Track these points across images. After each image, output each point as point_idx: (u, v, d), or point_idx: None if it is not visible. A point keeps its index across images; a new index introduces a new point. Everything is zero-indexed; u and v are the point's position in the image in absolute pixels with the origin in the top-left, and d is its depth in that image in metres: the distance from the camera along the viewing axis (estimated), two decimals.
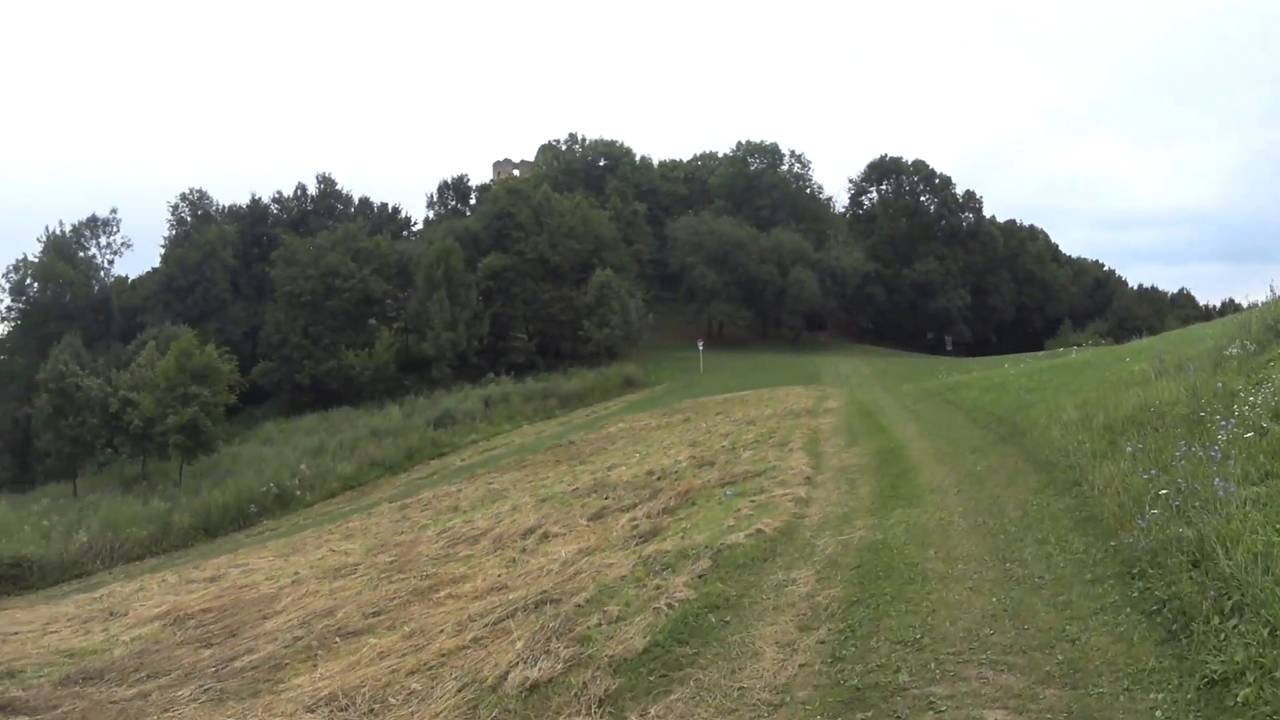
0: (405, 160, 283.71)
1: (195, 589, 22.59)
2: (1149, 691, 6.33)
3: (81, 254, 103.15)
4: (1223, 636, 6.41)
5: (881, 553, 11.59)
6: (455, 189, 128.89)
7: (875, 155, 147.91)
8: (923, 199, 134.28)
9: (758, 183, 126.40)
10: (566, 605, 11.57)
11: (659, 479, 23.59)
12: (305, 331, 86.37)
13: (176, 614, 18.16)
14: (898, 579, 10.25)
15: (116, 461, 66.84)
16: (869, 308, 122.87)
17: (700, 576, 11.64)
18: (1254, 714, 5.56)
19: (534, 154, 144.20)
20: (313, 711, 9.99)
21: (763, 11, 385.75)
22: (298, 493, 46.40)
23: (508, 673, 9.25)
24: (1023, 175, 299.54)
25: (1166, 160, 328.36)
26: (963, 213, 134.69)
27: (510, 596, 13.05)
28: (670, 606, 10.42)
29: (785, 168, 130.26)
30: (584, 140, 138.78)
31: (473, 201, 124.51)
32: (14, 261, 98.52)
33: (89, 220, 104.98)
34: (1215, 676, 6.06)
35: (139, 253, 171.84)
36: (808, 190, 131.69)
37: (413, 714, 9.13)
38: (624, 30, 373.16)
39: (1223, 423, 10.82)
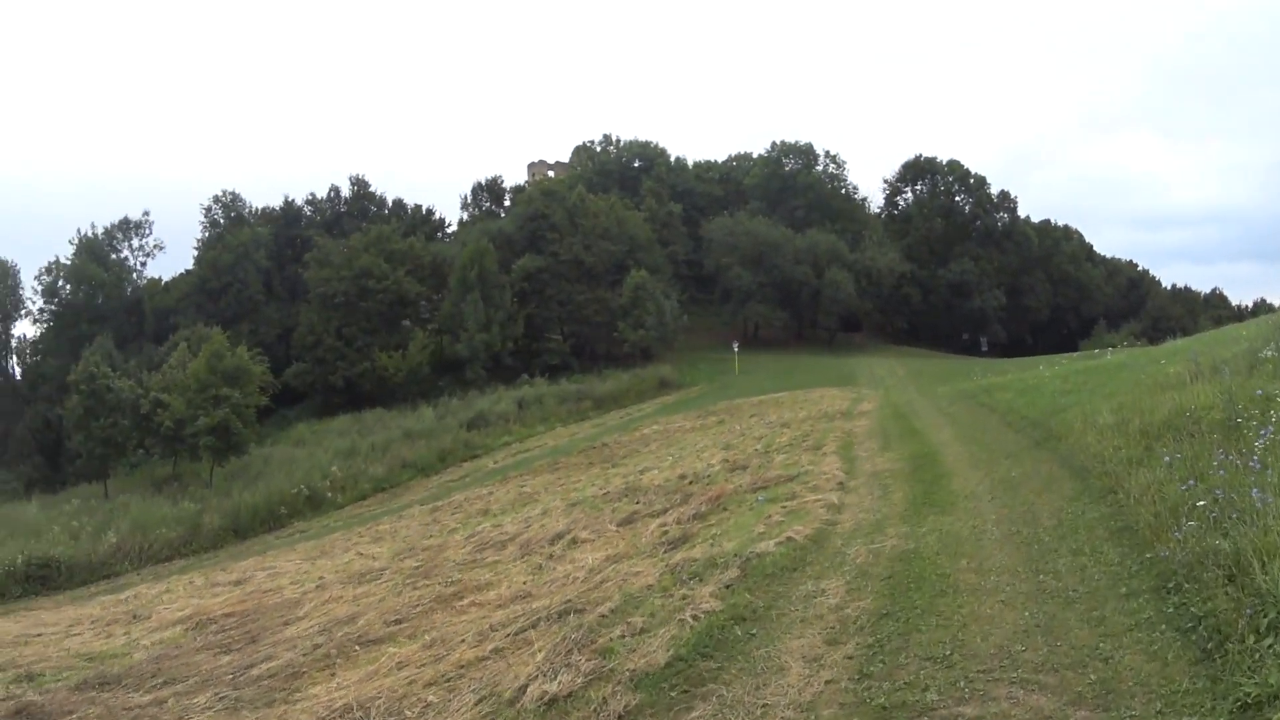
0: (440, 163, 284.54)
1: (220, 592, 22.63)
2: (1181, 715, 6.13)
3: (114, 256, 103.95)
4: (1258, 656, 6.20)
5: (913, 563, 11.38)
6: (489, 190, 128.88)
7: (910, 155, 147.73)
8: (958, 199, 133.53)
9: (793, 183, 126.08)
10: (590, 615, 11.43)
11: (691, 483, 23.46)
12: (338, 333, 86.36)
13: (199, 618, 18.19)
14: (929, 591, 10.05)
15: (148, 462, 67.33)
16: (904, 308, 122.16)
17: (728, 586, 11.46)
18: None
19: (569, 155, 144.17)
20: None
21: (797, 11, 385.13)
22: (329, 494, 46.32)
23: (527, 686, 9.12)
24: (1057, 175, 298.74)
25: (1198, 159, 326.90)
26: (997, 213, 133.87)
27: (534, 605, 12.88)
28: (695, 618, 10.25)
29: (820, 168, 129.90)
30: (618, 141, 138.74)
31: (507, 203, 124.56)
32: (46, 264, 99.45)
33: (121, 223, 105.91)
34: (1249, 700, 5.85)
35: (172, 254, 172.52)
36: (843, 190, 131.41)
37: None
38: (659, 31, 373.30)
39: (1261, 430, 10.60)
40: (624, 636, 10.21)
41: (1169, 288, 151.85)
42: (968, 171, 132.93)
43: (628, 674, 8.85)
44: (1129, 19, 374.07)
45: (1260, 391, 12.85)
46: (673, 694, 8.26)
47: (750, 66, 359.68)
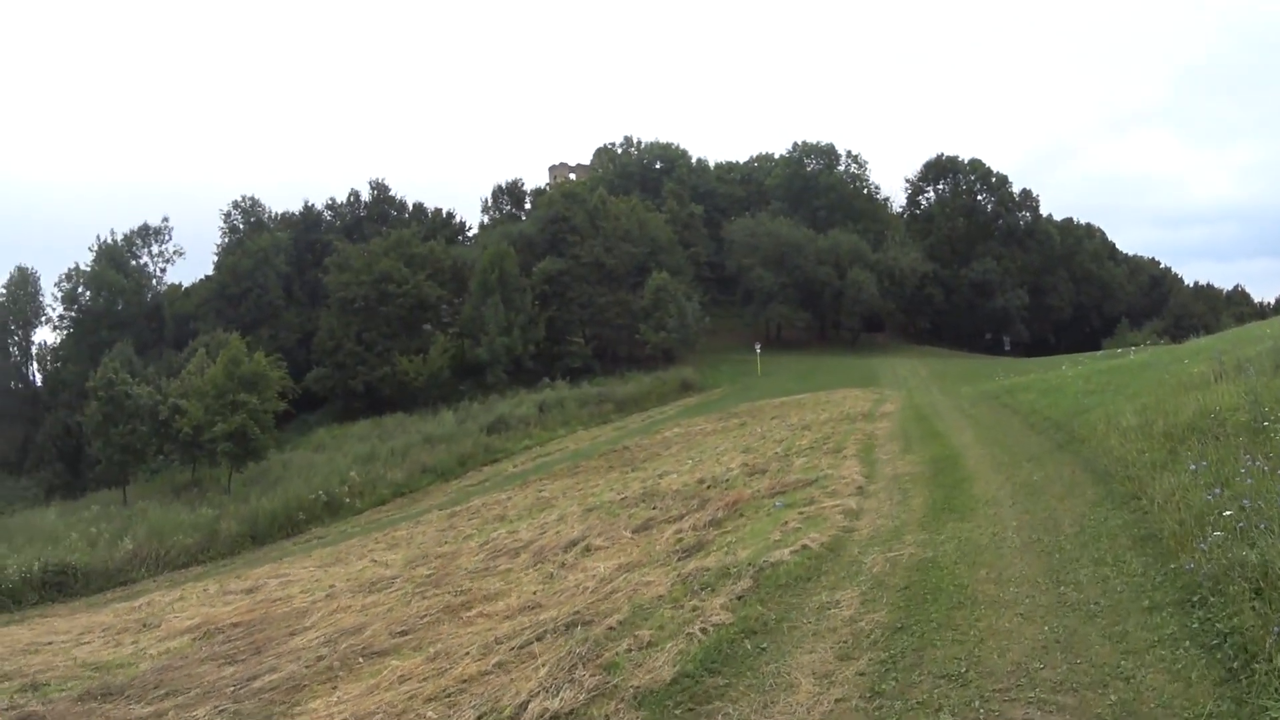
0: (461, 167, 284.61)
1: (232, 600, 22.52)
2: None
3: (134, 262, 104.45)
4: None
5: (930, 572, 11.10)
6: (510, 193, 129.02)
7: (931, 154, 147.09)
8: (980, 198, 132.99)
9: (814, 183, 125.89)
10: (598, 628, 11.18)
11: (709, 488, 23.24)
12: (359, 337, 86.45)
13: (206, 627, 18.08)
14: (945, 603, 9.76)
15: (168, 469, 67.44)
16: (927, 308, 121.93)
17: (739, 598, 11.18)
18: None
19: (590, 157, 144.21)
20: None
21: (817, 11, 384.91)
22: (347, 500, 46.26)
23: (528, 702, 8.88)
24: (1078, 173, 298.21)
25: (1218, 157, 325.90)
26: (1020, 211, 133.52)
27: (542, 617, 12.65)
28: (704, 631, 9.99)
29: (842, 168, 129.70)
30: (639, 143, 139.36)
31: (527, 206, 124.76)
32: (66, 271, 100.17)
33: (141, 229, 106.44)
34: None
35: (191, 261, 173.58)
36: (864, 190, 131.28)
37: None
38: (680, 33, 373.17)
39: None
40: (630, 651, 9.95)
41: (1191, 285, 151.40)
42: (989, 170, 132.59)
43: (631, 691, 8.59)
44: (1150, 17, 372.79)
45: None
46: (677, 712, 8.01)
47: (771, 67, 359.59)
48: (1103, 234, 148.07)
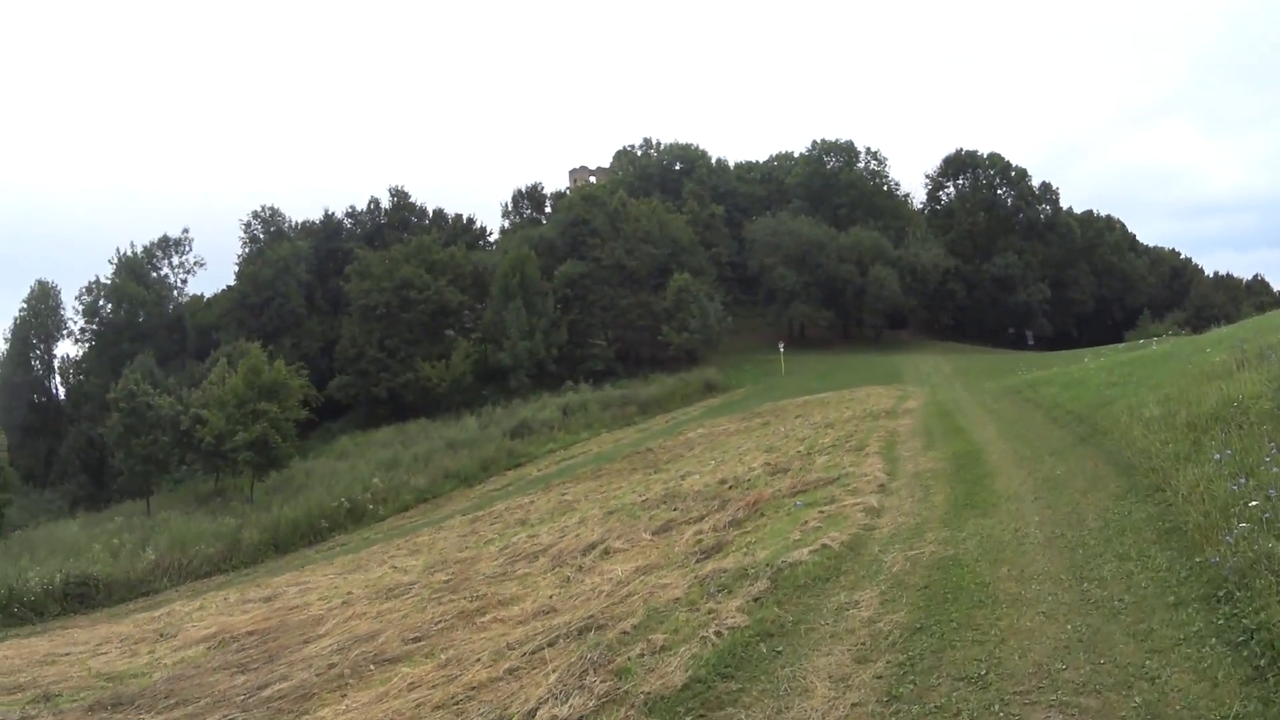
0: (481, 172, 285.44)
1: (250, 609, 22.39)
2: None
3: (154, 274, 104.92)
4: None
5: (951, 570, 10.90)
6: (530, 197, 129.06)
7: (950, 149, 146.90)
8: (999, 192, 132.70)
9: (834, 181, 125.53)
10: (611, 632, 11.05)
11: (731, 488, 23.11)
12: (381, 344, 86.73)
13: (222, 636, 18.02)
14: (966, 602, 9.56)
15: (192, 478, 67.88)
16: (950, 304, 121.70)
17: (756, 600, 11.02)
18: None
19: (609, 160, 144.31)
20: None
21: (833, 9, 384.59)
22: (370, 506, 45.97)
23: (536, 710, 8.78)
24: (1098, 165, 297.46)
25: (1236, 146, 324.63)
26: (1040, 205, 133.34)
27: (556, 621, 12.53)
28: (719, 635, 9.83)
29: (861, 165, 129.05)
30: (659, 144, 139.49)
31: (548, 209, 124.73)
32: (87, 283, 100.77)
33: (161, 240, 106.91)
34: None
35: (212, 271, 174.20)
36: (884, 187, 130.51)
37: None
38: (697, 34, 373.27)
39: None
40: (643, 655, 9.81)
41: (1211, 275, 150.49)
42: (1009, 164, 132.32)
43: (642, 697, 8.45)
44: (1166, 6, 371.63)
45: None
46: (688, 719, 7.83)
47: (789, 65, 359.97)
48: (1123, 226, 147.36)
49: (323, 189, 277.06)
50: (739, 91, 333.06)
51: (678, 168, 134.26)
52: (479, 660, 11.41)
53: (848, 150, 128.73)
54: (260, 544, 40.58)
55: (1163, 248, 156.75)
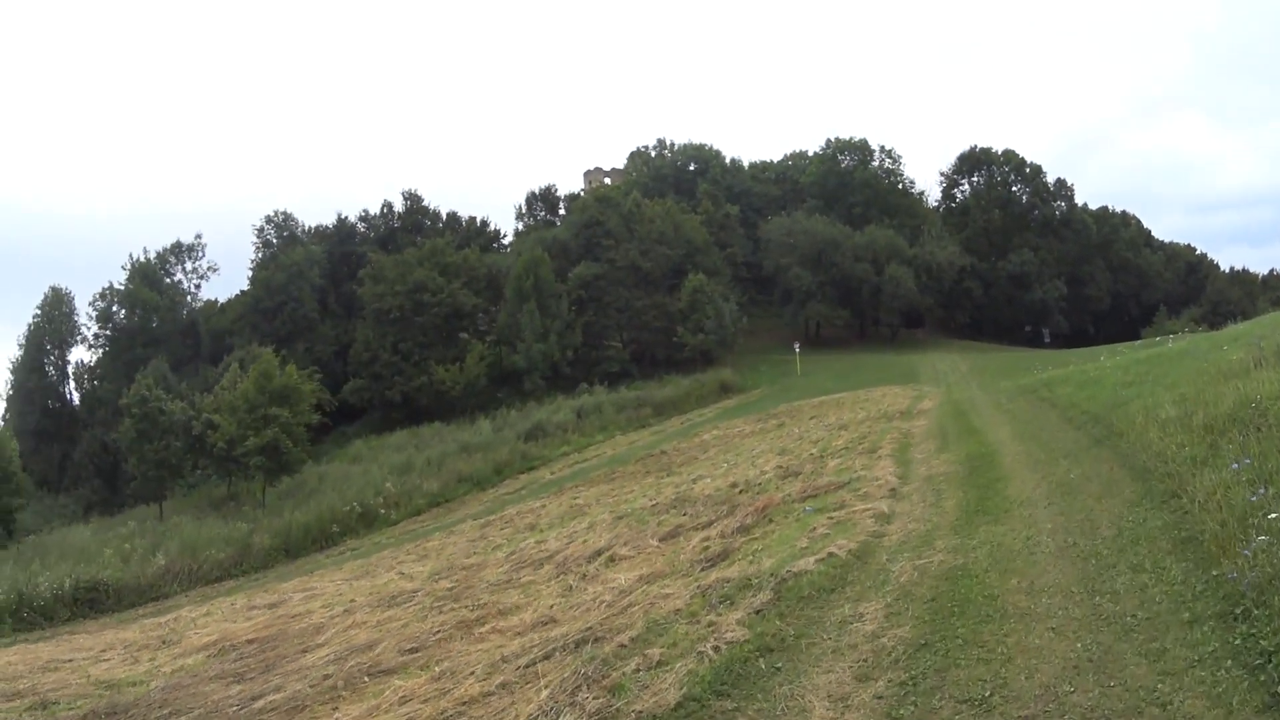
0: (494, 175, 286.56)
1: (255, 615, 22.35)
2: None
3: (167, 280, 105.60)
4: None
5: (960, 582, 10.57)
6: (543, 199, 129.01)
7: (965, 147, 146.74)
8: (1014, 189, 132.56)
9: (849, 180, 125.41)
10: (609, 645, 10.81)
11: (741, 492, 22.90)
12: (395, 348, 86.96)
13: (222, 644, 17.94)
14: (973, 616, 9.22)
15: (205, 483, 68.06)
16: (966, 302, 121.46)
17: (758, 612, 10.74)
18: None
19: (623, 161, 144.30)
20: None
21: (845, 7, 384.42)
22: (382, 511, 45.87)
23: None
24: (1112, 161, 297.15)
25: (1252, 140, 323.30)
26: (1055, 201, 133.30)
27: (553, 633, 12.33)
28: (717, 650, 9.55)
29: (876, 163, 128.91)
30: (672, 145, 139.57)
31: (561, 211, 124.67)
32: (100, 290, 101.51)
33: (174, 246, 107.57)
34: None
35: (225, 276, 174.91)
36: (899, 185, 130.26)
37: None
38: (710, 34, 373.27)
39: None
40: (638, 671, 9.54)
41: (1227, 271, 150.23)
42: (1023, 161, 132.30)
43: (634, 716, 8.24)
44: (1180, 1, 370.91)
45: None
46: None
47: (802, 64, 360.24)
48: (1138, 221, 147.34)
49: (336, 193, 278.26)
50: (753, 91, 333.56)
51: (692, 168, 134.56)
52: (473, 673, 11.23)
53: (862, 149, 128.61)
54: (271, 549, 40.63)
55: (1178, 243, 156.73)
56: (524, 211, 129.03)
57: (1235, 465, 10.53)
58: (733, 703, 8.15)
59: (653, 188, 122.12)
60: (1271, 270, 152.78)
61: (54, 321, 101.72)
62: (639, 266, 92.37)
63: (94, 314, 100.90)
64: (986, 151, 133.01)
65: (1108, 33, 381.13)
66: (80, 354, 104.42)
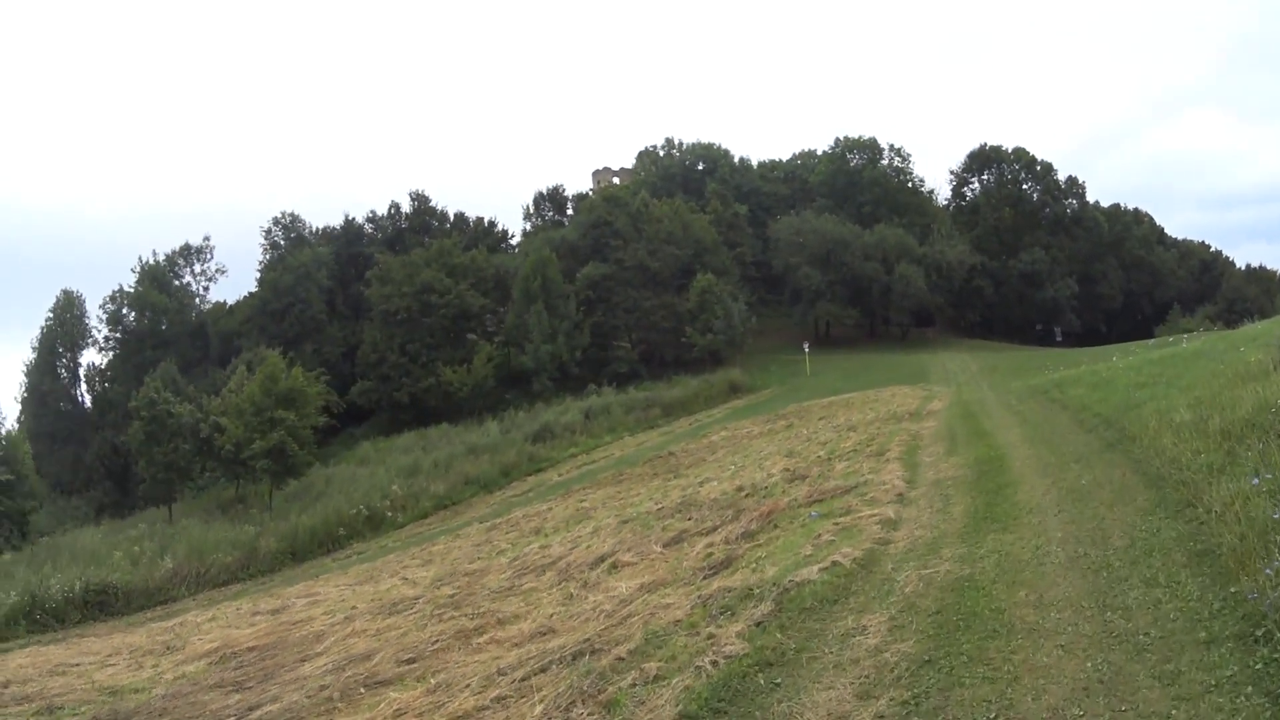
0: (502, 175, 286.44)
1: (258, 621, 22.34)
2: None
3: (176, 282, 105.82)
4: None
5: (966, 594, 10.27)
6: (551, 199, 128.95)
7: (975, 145, 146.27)
8: (1025, 187, 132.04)
9: (858, 179, 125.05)
10: (606, 658, 10.63)
11: (747, 496, 22.73)
12: (402, 349, 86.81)
13: (224, 651, 18.00)
14: (979, 631, 8.93)
15: (214, 485, 68.39)
16: (976, 301, 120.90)
17: (759, 624, 10.53)
18: None
19: (632, 161, 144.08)
20: None
21: (856, 5, 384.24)
22: (389, 514, 45.72)
23: None
24: (1124, 158, 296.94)
25: (1266, 135, 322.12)
26: (1066, 199, 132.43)
27: (551, 644, 12.15)
28: (715, 664, 9.35)
29: (885, 162, 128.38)
30: (681, 145, 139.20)
31: (569, 211, 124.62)
32: (110, 292, 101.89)
33: (183, 249, 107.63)
34: None
35: (234, 278, 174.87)
36: (909, 184, 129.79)
37: None
38: (718, 32, 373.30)
39: None
40: (635, 686, 9.36)
41: (1243, 268, 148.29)
42: (1034, 159, 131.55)
43: None
44: None
45: None
46: None
47: (811, 63, 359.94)
48: (1151, 219, 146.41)
49: (343, 195, 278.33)
50: (761, 90, 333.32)
51: (700, 167, 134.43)
52: (468, 686, 11.11)
53: (871, 147, 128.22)
54: (278, 553, 40.61)
55: (1192, 240, 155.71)
56: (532, 212, 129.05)
57: (1255, 481, 10.16)
58: None
59: (661, 187, 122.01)
60: None
61: (66, 324, 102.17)
62: (647, 266, 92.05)
63: (104, 317, 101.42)
64: (997, 149, 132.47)
65: (1122, 29, 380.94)
66: (91, 357, 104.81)
